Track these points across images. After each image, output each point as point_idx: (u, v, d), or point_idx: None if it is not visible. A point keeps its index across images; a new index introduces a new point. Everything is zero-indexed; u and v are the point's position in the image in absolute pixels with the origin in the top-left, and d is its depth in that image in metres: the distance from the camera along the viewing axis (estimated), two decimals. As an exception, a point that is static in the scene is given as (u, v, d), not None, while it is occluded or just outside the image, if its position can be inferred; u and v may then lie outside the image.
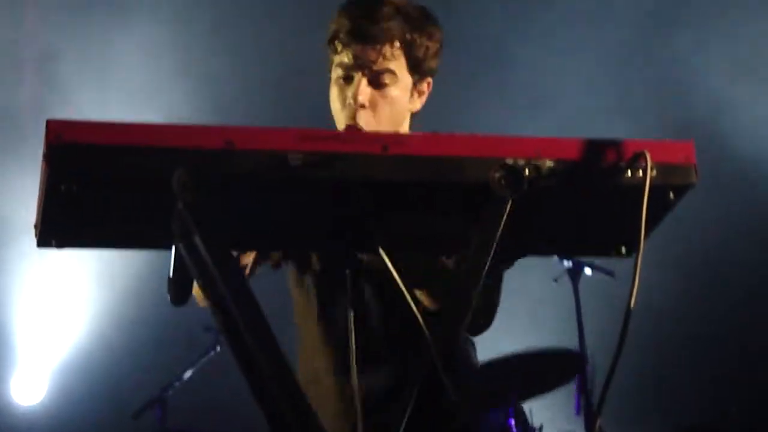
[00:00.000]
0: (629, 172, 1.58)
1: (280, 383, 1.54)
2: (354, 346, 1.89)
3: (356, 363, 1.90)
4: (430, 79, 2.32)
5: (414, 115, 2.34)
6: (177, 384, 5.09)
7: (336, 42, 2.27)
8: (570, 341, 4.29)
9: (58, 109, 5.35)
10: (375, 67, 2.23)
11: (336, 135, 1.57)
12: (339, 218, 1.66)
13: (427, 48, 2.28)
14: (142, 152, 1.43)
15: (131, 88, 5.65)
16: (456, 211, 1.63)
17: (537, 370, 4.11)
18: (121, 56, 5.70)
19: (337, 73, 2.28)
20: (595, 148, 1.59)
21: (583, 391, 4.23)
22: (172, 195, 1.44)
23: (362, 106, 2.22)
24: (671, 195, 1.63)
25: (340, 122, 2.27)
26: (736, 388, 5.64)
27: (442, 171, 1.55)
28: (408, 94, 2.29)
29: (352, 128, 2.20)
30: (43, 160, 1.41)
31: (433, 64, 2.30)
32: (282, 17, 5.71)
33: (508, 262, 2.08)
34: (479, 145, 1.57)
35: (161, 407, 5.02)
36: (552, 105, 5.75)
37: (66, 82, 5.67)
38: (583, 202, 1.66)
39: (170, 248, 1.57)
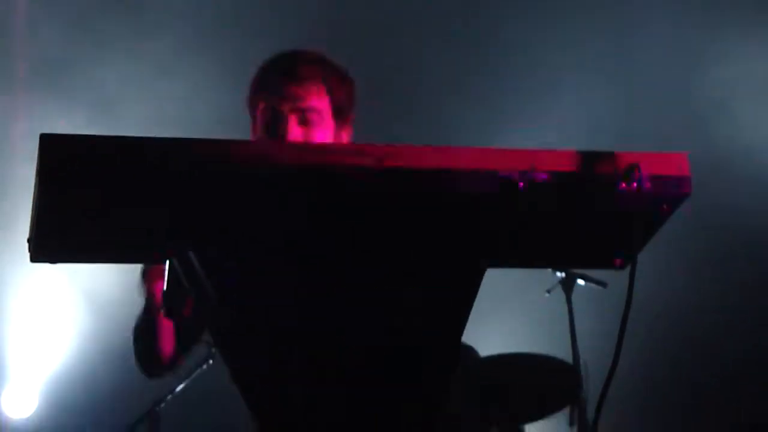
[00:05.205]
0: (623, 183, 1.59)
1: (274, 396, 1.53)
2: None
3: None
4: (349, 130, 2.41)
5: None
6: (169, 398, 5.06)
7: (264, 87, 2.37)
8: (563, 349, 4.28)
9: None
10: (302, 105, 2.32)
11: (332, 147, 1.57)
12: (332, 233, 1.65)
13: (347, 94, 2.40)
14: (138, 167, 1.41)
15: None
16: (447, 225, 1.63)
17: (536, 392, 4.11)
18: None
19: (263, 113, 2.36)
20: (588, 160, 1.58)
21: (576, 403, 4.21)
22: (167, 209, 1.43)
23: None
24: (665, 206, 1.64)
25: None
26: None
27: (434, 184, 1.54)
28: (332, 137, 2.37)
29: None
30: (36, 175, 1.40)
31: (352, 113, 2.41)
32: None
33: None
34: (472, 157, 1.57)
35: (153, 422, 4.99)
36: (540, 117, 5.75)
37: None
38: (576, 215, 1.66)
39: (164, 262, 1.56)
